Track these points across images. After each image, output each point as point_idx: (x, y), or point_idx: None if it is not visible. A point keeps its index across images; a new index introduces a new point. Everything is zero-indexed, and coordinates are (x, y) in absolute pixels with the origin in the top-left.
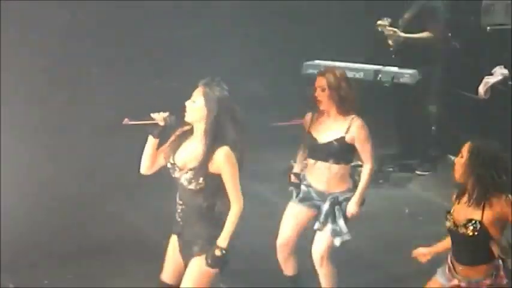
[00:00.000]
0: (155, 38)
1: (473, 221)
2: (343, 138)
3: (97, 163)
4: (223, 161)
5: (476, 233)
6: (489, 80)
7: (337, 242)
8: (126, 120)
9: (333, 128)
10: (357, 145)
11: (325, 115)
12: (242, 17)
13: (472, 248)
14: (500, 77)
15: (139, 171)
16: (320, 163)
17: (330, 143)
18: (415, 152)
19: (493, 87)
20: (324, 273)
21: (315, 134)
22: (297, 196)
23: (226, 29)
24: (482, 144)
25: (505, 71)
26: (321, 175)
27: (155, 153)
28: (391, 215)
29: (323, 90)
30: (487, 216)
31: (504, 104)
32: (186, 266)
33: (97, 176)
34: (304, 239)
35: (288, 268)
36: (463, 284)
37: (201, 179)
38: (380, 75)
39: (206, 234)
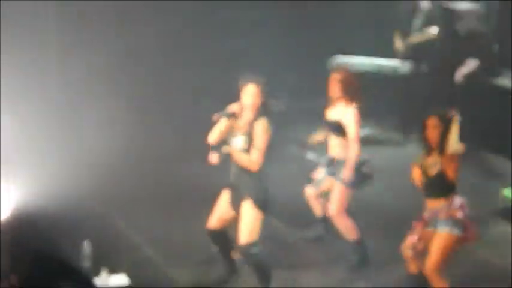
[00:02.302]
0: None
1: (436, 163)
2: (340, 120)
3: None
4: (259, 127)
5: (436, 173)
6: (463, 69)
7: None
8: (215, 115)
9: (338, 111)
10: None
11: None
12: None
13: (434, 185)
14: (471, 66)
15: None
16: (331, 136)
17: (334, 120)
18: None
19: (467, 75)
20: (340, 227)
21: (327, 116)
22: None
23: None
24: (443, 115)
25: (476, 62)
26: (331, 144)
27: (224, 130)
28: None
29: (336, 84)
30: (444, 161)
31: (504, 106)
32: (233, 214)
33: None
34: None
35: (317, 209)
36: (426, 215)
37: (250, 140)
38: (382, 67)
39: (253, 187)
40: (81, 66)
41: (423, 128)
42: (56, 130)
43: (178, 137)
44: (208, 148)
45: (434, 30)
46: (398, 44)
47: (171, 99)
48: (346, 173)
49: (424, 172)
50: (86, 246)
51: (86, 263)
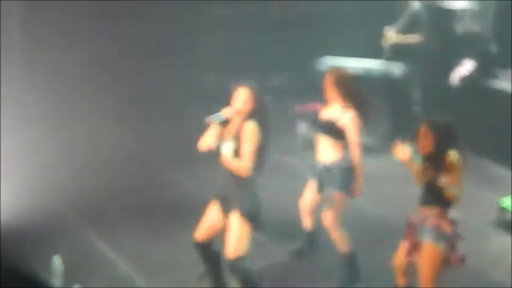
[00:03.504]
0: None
1: (427, 172)
2: (337, 120)
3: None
4: (248, 130)
5: (438, 185)
6: (460, 70)
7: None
8: (208, 118)
9: (333, 113)
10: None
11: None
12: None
13: (429, 194)
14: (468, 67)
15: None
16: (321, 138)
17: (326, 120)
18: None
19: (464, 78)
20: (334, 238)
21: (320, 115)
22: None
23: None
24: (438, 122)
25: (472, 63)
26: (320, 148)
27: (215, 137)
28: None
29: (329, 85)
30: (444, 175)
31: (503, 110)
32: (225, 223)
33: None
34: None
35: (308, 225)
36: (414, 219)
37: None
38: (373, 69)
39: (243, 196)
40: (55, 69)
41: (415, 135)
42: (25, 139)
43: (163, 144)
44: (196, 155)
45: (417, 35)
46: (385, 44)
47: (155, 104)
48: (357, 185)
49: (419, 178)
50: (57, 261)
51: (57, 280)
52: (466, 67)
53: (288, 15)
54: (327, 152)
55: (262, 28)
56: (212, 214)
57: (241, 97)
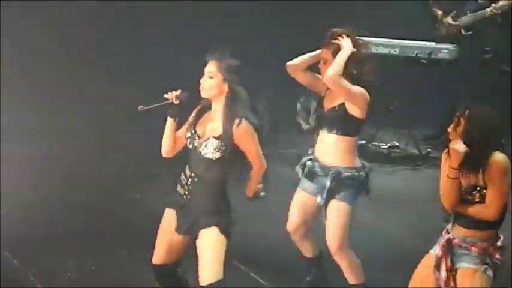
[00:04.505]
0: (157, 20)
1: (478, 188)
2: (343, 104)
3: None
4: (244, 134)
5: (481, 199)
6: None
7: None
8: (141, 107)
9: (337, 98)
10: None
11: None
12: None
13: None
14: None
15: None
16: (326, 135)
17: (332, 109)
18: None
19: None
20: (344, 266)
21: (323, 103)
22: (302, 173)
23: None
24: (478, 111)
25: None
26: (325, 148)
27: (174, 134)
28: (434, 197)
29: (325, 62)
30: (485, 178)
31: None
32: (183, 240)
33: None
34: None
35: (306, 251)
36: (456, 240)
37: (225, 147)
38: (417, 51)
39: (215, 206)
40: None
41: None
42: None
43: (117, 154)
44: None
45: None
46: (443, 19)
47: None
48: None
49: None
50: None
51: None
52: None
53: None
54: (329, 151)
55: None
56: (171, 229)
57: (207, 73)
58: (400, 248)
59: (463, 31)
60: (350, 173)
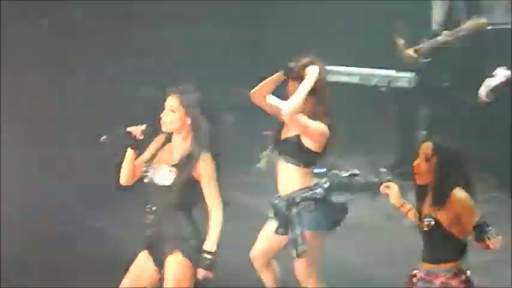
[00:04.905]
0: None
1: (428, 217)
2: (298, 135)
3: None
4: (206, 167)
5: (430, 229)
6: (490, 83)
7: (294, 253)
8: (103, 138)
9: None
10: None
11: None
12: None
13: (432, 245)
14: (502, 79)
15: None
16: (283, 165)
17: (287, 139)
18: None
19: (495, 90)
20: None
21: (281, 131)
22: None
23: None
24: (444, 145)
25: (508, 73)
26: (284, 178)
27: (133, 164)
28: (390, 228)
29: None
30: (445, 214)
31: (503, 105)
32: (159, 272)
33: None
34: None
35: (268, 281)
36: (420, 274)
37: (179, 172)
38: (376, 80)
39: (177, 233)
40: None
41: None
42: None
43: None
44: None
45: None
46: (404, 48)
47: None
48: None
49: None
50: None
51: None
52: (498, 77)
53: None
54: (288, 180)
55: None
56: (141, 263)
57: (168, 107)
58: (361, 276)
59: (421, 59)
60: (304, 194)
